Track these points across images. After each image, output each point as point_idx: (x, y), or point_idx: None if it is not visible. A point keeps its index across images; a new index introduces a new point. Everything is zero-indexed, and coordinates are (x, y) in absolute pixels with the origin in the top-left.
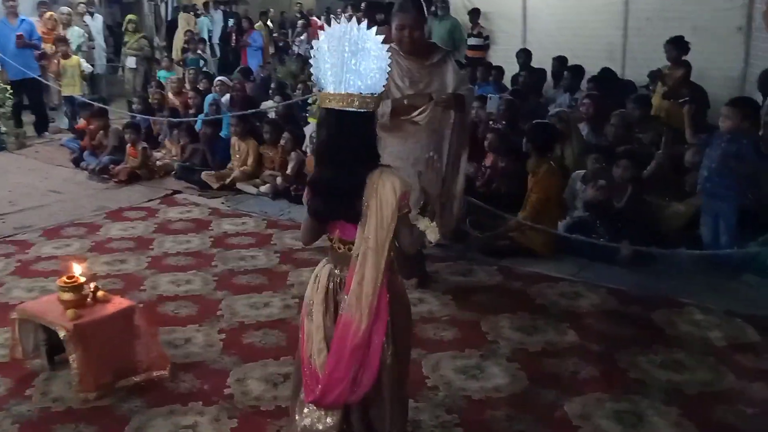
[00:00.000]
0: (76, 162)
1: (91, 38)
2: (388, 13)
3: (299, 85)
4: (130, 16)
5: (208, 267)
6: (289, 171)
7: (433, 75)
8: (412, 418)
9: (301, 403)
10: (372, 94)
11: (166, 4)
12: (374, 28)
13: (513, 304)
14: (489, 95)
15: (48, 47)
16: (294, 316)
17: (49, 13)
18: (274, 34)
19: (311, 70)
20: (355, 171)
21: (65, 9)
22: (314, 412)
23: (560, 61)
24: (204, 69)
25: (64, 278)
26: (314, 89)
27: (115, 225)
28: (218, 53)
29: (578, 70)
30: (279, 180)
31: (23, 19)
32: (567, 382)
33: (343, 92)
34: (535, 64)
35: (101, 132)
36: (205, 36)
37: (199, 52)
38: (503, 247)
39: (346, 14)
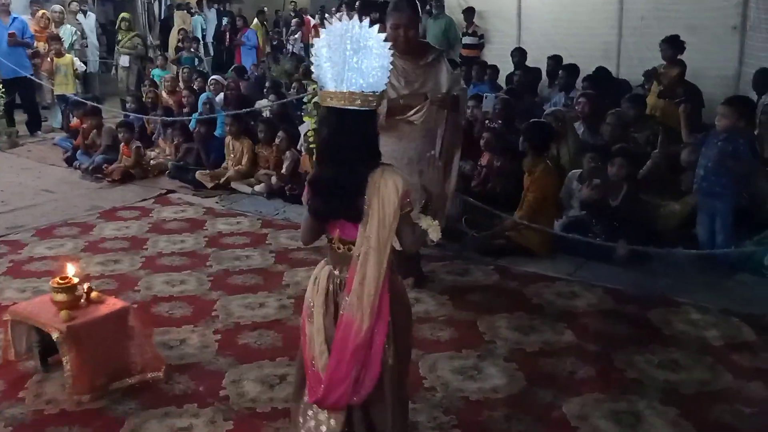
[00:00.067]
0: (69, 161)
1: (83, 36)
2: (382, 12)
3: (294, 84)
4: (123, 15)
5: (202, 267)
6: (284, 170)
7: (428, 75)
8: (410, 420)
9: (304, 405)
10: (374, 92)
11: (160, 2)
12: (376, 26)
13: (510, 303)
14: (485, 94)
15: (41, 46)
16: (289, 317)
17: (41, 11)
18: (269, 33)
19: (312, 68)
20: (357, 170)
21: (57, 7)
22: (318, 414)
23: (555, 60)
24: (199, 68)
25: (58, 279)
26: (309, 88)
27: (108, 225)
28: (212, 52)
29: (573, 69)
30: (274, 179)
31: (15, 17)
32: (564, 382)
33: (344, 90)
34: (530, 63)
35: (94, 131)
36: (199, 35)
37: (192, 50)
38: (500, 246)
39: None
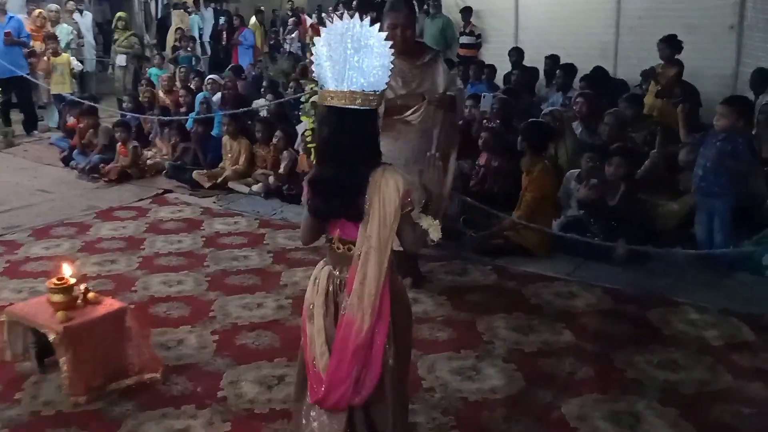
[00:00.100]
0: (66, 161)
1: (80, 36)
2: (380, 12)
3: (291, 84)
4: (119, 14)
5: (200, 267)
6: (281, 170)
7: (425, 75)
8: (409, 421)
9: (307, 407)
10: (375, 91)
11: (157, 1)
12: (377, 25)
13: (508, 303)
14: (483, 94)
15: (37, 45)
16: (287, 317)
17: (37, 11)
18: (267, 33)
19: (312, 67)
20: (357, 169)
21: (54, 6)
22: (320, 415)
23: (553, 60)
24: (196, 67)
25: (54, 280)
26: (306, 87)
27: (105, 225)
28: (209, 51)
29: (571, 69)
30: (271, 179)
31: (11, 17)
32: (564, 382)
33: (345, 90)
34: (527, 62)
35: (91, 130)
36: (196, 34)
37: (189, 49)
38: (498, 246)
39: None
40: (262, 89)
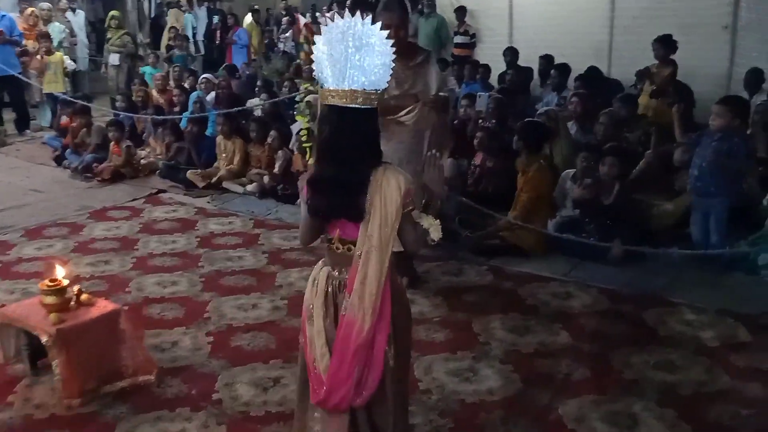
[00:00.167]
0: (59, 160)
1: (72, 34)
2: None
3: (285, 83)
4: (112, 13)
5: (194, 268)
6: (276, 170)
7: (417, 76)
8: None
9: (311, 408)
10: (375, 90)
11: (150, 0)
12: (378, 24)
13: (504, 304)
14: (478, 93)
15: (30, 44)
16: (283, 318)
17: (30, 9)
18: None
19: (313, 65)
20: (358, 168)
21: (46, 5)
22: (324, 417)
23: (547, 60)
24: (190, 66)
25: (47, 281)
26: (301, 87)
27: (98, 225)
28: (202, 50)
29: (565, 69)
30: (266, 179)
31: (3, 15)
32: (561, 383)
33: (346, 88)
34: (521, 62)
35: (84, 130)
36: (189, 33)
37: (183, 48)
38: (493, 246)
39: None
40: (257, 88)
